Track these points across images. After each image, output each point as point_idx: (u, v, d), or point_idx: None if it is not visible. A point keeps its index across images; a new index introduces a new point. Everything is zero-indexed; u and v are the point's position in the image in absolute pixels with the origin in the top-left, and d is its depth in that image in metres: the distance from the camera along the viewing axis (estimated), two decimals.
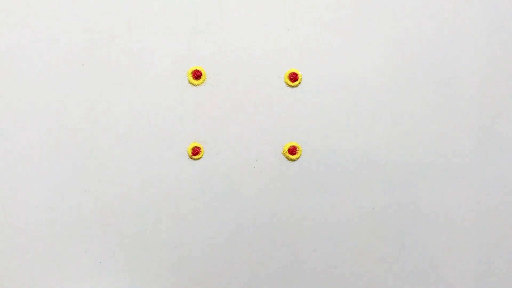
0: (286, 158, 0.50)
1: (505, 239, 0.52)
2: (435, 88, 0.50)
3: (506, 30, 0.51)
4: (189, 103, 0.49)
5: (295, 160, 0.50)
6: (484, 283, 0.52)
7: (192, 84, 0.49)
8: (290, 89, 0.50)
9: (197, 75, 0.49)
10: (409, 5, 0.50)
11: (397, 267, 0.51)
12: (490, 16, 0.51)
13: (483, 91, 0.51)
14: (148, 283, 0.50)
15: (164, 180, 0.49)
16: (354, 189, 0.50)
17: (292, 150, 0.50)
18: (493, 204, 0.51)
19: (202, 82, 0.49)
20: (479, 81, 0.51)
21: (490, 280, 0.52)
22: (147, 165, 0.49)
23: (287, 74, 0.49)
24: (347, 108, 0.50)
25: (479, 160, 0.51)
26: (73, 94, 0.49)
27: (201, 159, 0.50)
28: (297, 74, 0.49)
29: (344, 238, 0.51)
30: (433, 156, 0.51)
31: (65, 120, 0.49)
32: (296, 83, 0.50)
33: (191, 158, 0.49)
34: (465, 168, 0.51)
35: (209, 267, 0.50)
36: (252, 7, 0.49)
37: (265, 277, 0.51)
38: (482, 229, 0.51)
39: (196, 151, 0.49)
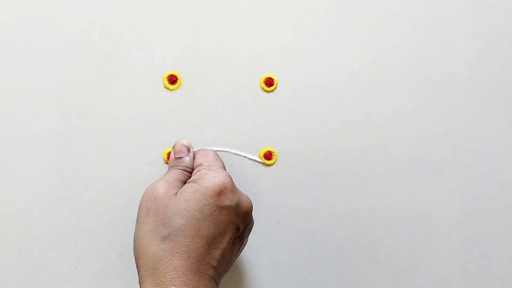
0: (262, 163, 0.50)
1: (493, 238, 0.52)
2: (413, 91, 0.51)
3: (489, 32, 0.51)
4: (165, 108, 0.49)
5: (270, 165, 0.50)
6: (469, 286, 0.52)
7: (168, 88, 0.49)
8: (266, 94, 0.50)
9: (172, 79, 0.49)
10: (386, 10, 0.50)
11: (373, 272, 0.51)
12: (470, 20, 0.51)
13: (467, 89, 0.51)
14: None
15: (140, 185, 0.49)
16: (330, 194, 0.50)
17: (268, 155, 0.50)
18: (479, 203, 0.51)
19: (178, 87, 0.49)
20: (462, 81, 0.51)
21: (475, 282, 0.52)
22: (122, 170, 0.49)
23: (263, 79, 0.50)
24: (324, 113, 0.50)
25: (463, 160, 0.51)
26: (48, 98, 0.48)
27: None
28: (272, 79, 0.50)
29: (319, 243, 0.51)
30: (411, 160, 0.51)
31: (40, 124, 0.48)
32: (272, 88, 0.50)
33: (166, 163, 0.49)
34: (447, 170, 0.51)
35: None
36: (227, 12, 0.49)
37: (242, 282, 0.51)
38: (466, 232, 0.51)
39: None
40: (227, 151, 0.50)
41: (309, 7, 0.50)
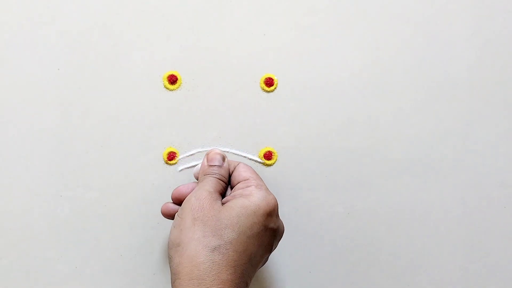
0: (262, 163, 0.50)
1: (493, 238, 0.52)
2: (413, 91, 0.51)
3: (489, 32, 0.51)
4: (165, 108, 0.49)
5: (270, 165, 0.50)
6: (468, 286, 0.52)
7: (168, 88, 0.49)
8: (266, 94, 0.50)
9: (172, 79, 0.49)
10: (386, 10, 0.50)
11: (373, 272, 0.51)
12: (470, 20, 0.51)
13: (467, 90, 0.51)
14: None
15: (140, 185, 0.49)
16: (330, 194, 0.50)
17: (268, 155, 0.50)
18: (479, 203, 0.51)
19: (178, 87, 0.49)
20: (462, 81, 0.51)
21: (475, 282, 0.52)
22: (122, 170, 0.49)
23: (263, 79, 0.49)
24: (324, 113, 0.50)
25: (463, 160, 0.51)
26: (48, 98, 0.48)
27: (177, 164, 0.49)
28: (272, 79, 0.50)
29: (319, 243, 0.51)
30: (411, 160, 0.51)
31: (40, 124, 0.48)
32: (272, 88, 0.50)
33: (166, 163, 0.49)
34: (447, 170, 0.51)
35: None
36: (227, 12, 0.49)
37: None
38: (466, 232, 0.51)
39: (171, 156, 0.49)
40: (227, 151, 0.50)
41: (309, 7, 0.50)
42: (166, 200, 0.49)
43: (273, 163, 0.50)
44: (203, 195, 0.42)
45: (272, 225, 0.42)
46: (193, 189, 0.44)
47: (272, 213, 0.42)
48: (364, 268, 0.51)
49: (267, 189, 0.44)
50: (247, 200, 0.41)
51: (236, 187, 0.44)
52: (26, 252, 0.49)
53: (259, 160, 0.50)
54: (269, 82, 0.49)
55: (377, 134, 0.50)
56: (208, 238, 0.39)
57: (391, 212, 0.51)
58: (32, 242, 0.49)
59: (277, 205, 0.43)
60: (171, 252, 0.40)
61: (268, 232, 0.42)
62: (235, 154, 0.50)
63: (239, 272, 0.39)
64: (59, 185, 0.49)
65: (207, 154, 0.46)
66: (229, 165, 0.46)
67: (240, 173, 0.45)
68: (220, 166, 0.45)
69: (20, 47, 0.48)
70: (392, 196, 0.51)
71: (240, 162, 0.47)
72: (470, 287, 0.52)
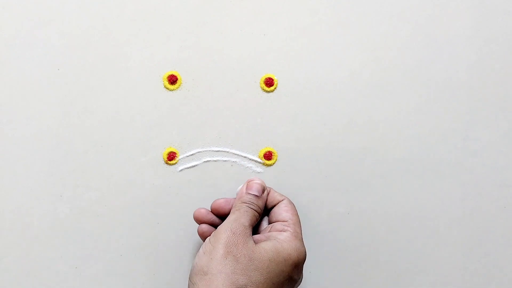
0: (262, 163, 0.50)
1: (493, 238, 0.52)
2: (413, 91, 0.51)
3: (489, 32, 0.51)
4: (165, 108, 0.49)
5: (270, 165, 0.50)
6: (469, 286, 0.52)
7: (168, 89, 0.49)
8: (266, 94, 0.50)
9: (172, 80, 0.49)
10: (386, 10, 0.50)
11: (373, 272, 0.51)
12: (471, 20, 0.51)
13: (467, 90, 0.51)
14: None
15: (140, 185, 0.49)
16: (330, 194, 0.50)
17: (268, 155, 0.50)
18: (479, 203, 0.51)
19: (178, 87, 0.49)
20: (462, 81, 0.51)
21: (475, 282, 0.52)
22: (122, 170, 0.49)
23: (263, 79, 0.49)
24: (324, 113, 0.50)
25: (463, 160, 0.51)
26: (48, 98, 0.48)
27: (177, 164, 0.49)
28: (273, 79, 0.49)
29: (319, 243, 0.51)
30: (411, 160, 0.51)
31: (40, 124, 0.48)
32: (272, 88, 0.50)
33: (166, 163, 0.49)
34: (447, 170, 0.51)
35: (185, 272, 0.50)
36: (227, 12, 0.49)
37: None
38: (466, 232, 0.51)
39: (171, 156, 0.49)
40: (227, 151, 0.50)
41: (309, 7, 0.50)
42: (165, 200, 0.49)
43: (273, 163, 0.50)
44: (239, 229, 0.42)
45: (295, 276, 0.43)
46: (232, 205, 0.45)
47: (299, 265, 0.43)
48: (364, 268, 0.51)
49: (301, 239, 0.44)
50: (280, 246, 0.42)
51: (273, 226, 0.45)
52: (26, 252, 0.49)
53: (259, 160, 0.50)
54: (269, 82, 0.49)
55: (377, 134, 0.50)
56: (237, 276, 0.39)
57: (391, 212, 0.51)
58: (32, 242, 0.49)
59: (305, 258, 0.43)
60: (195, 279, 0.40)
61: (291, 282, 0.43)
62: (235, 154, 0.50)
63: None
64: (59, 185, 0.49)
65: (248, 182, 0.46)
66: (270, 196, 0.47)
67: (281, 212, 0.46)
68: (258, 197, 0.45)
69: (20, 47, 0.48)
70: (392, 196, 0.51)
71: (285, 198, 0.47)
72: (470, 287, 0.52)
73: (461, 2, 0.50)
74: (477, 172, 0.51)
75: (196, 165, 0.49)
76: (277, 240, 0.42)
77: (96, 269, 0.50)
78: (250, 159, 0.50)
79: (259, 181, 0.46)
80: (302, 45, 0.50)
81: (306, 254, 0.43)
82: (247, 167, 0.50)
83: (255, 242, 0.42)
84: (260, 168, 0.50)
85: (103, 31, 0.49)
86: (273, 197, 0.47)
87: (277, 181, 0.50)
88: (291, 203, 0.47)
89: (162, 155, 0.49)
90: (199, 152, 0.50)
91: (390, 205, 0.51)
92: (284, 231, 0.44)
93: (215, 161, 0.50)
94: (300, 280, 0.44)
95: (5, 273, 0.49)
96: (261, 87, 0.50)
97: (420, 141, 0.51)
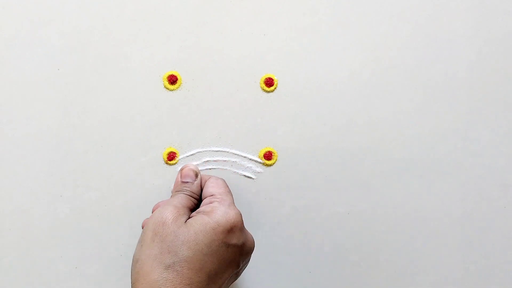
0: (262, 163, 0.50)
1: (493, 238, 0.52)
2: (413, 91, 0.51)
3: (489, 32, 0.51)
4: (165, 108, 0.49)
5: (270, 165, 0.50)
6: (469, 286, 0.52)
7: (168, 89, 0.49)
8: (266, 94, 0.50)
9: (172, 80, 0.49)
10: (386, 10, 0.50)
11: (373, 272, 0.51)
12: (471, 20, 0.51)
13: (467, 90, 0.51)
14: None
15: (140, 185, 0.49)
16: (330, 194, 0.50)
17: (268, 155, 0.50)
18: (479, 203, 0.51)
19: (178, 87, 0.49)
20: (462, 81, 0.51)
21: (475, 282, 0.52)
22: (122, 170, 0.49)
23: (263, 79, 0.49)
24: (324, 113, 0.50)
25: (463, 160, 0.51)
26: (48, 98, 0.48)
27: (177, 164, 0.49)
28: (273, 79, 0.49)
29: (319, 243, 0.51)
30: (411, 160, 0.51)
31: (40, 124, 0.48)
32: (272, 88, 0.50)
33: (166, 163, 0.49)
34: (447, 170, 0.51)
35: None
36: (227, 12, 0.49)
37: (242, 282, 0.51)
38: (466, 233, 0.51)
39: (171, 156, 0.49)
40: (227, 151, 0.50)
41: (309, 7, 0.50)
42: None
43: (273, 163, 0.50)
44: (167, 210, 0.41)
45: (235, 241, 0.41)
46: None
47: (233, 229, 0.41)
48: (364, 268, 0.51)
49: (230, 204, 0.43)
50: (207, 217, 0.40)
51: (202, 203, 0.44)
52: (26, 252, 0.49)
53: (259, 160, 0.50)
54: (269, 82, 0.49)
55: (377, 134, 0.50)
56: (164, 255, 0.38)
57: (391, 212, 0.51)
58: (32, 242, 0.49)
59: (239, 220, 0.41)
60: (131, 268, 0.40)
61: (230, 249, 0.40)
62: (235, 154, 0.50)
63: None
64: (59, 185, 0.49)
65: (181, 170, 0.47)
66: (201, 180, 0.46)
67: (208, 189, 0.45)
68: (192, 183, 0.45)
69: (20, 47, 0.48)
70: (392, 196, 0.51)
71: (211, 177, 0.47)
72: (470, 287, 0.52)
73: (461, 2, 0.50)
74: (477, 172, 0.51)
75: (196, 165, 0.49)
76: (204, 213, 0.41)
77: (96, 269, 0.50)
78: (250, 159, 0.50)
79: (191, 167, 0.46)
80: (302, 45, 0.50)
81: (238, 216, 0.41)
82: (247, 167, 0.50)
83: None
84: (260, 168, 0.50)
85: (103, 31, 0.49)
86: (203, 180, 0.46)
87: (277, 181, 0.50)
88: (218, 179, 0.46)
89: (162, 155, 0.49)
90: (199, 152, 0.50)
91: (390, 205, 0.51)
92: (211, 203, 0.42)
93: (215, 161, 0.50)
94: (247, 243, 0.42)
95: (5, 273, 0.49)
96: (261, 87, 0.50)
97: (420, 141, 0.51)
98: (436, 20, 0.50)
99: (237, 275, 0.44)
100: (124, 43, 0.49)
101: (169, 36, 0.49)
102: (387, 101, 0.50)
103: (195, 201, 0.45)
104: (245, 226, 0.43)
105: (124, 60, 0.49)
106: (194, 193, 0.45)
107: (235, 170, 0.50)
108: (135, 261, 0.39)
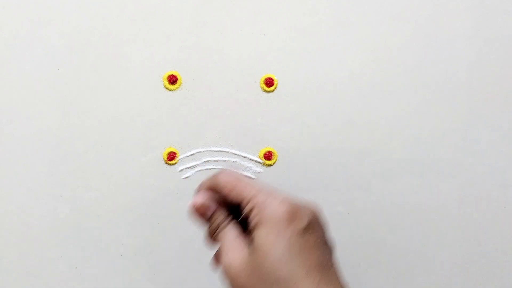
0: (262, 163, 0.50)
1: (493, 238, 0.52)
2: (413, 91, 0.51)
3: (489, 32, 0.51)
4: (165, 108, 0.49)
5: (270, 165, 0.50)
6: (468, 285, 0.52)
7: (168, 89, 0.49)
8: (265, 94, 0.50)
9: (172, 80, 0.49)
10: (386, 10, 0.50)
11: (373, 272, 0.51)
12: (470, 20, 0.51)
13: (467, 90, 0.51)
14: None
15: (140, 185, 0.49)
16: (330, 194, 0.50)
17: (268, 155, 0.50)
18: (479, 203, 0.51)
19: (178, 87, 0.49)
20: (462, 81, 0.51)
21: (475, 282, 0.52)
22: (122, 170, 0.49)
23: (263, 79, 0.49)
24: (323, 113, 0.50)
25: (463, 160, 0.51)
26: (48, 98, 0.48)
27: (177, 164, 0.49)
28: (273, 79, 0.49)
29: None
30: (411, 160, 0.51)
31: (40, 124, 0.48)
32: (272, 88, 0.50)
33: (166, 163, 0.49)
34: (447, 170, 0.51)
35: (185, 272, 0.50)
36: (227, 12, 0.49)
37: None
38: (466, 233, 0.51)
39: (171, 156, 0.49)
40: (227, 151, 0.50)
41: (309, 7, 0.50)
42: (165, 200, 0.49)
43: (273, 163, 0.50)
44: (230, 262, 0.35)
45: (302, 224, 0.35)
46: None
47: (292, 216, 0.35)
48: (364, 268, 0.51)
49: (269, 197, 0.35)
50: (264, 229, 0.34)
51: (245, 211, 0.36)
52: (26, 252, 0.49)
53: (259, 160, 0.50)
54: (269, 82, 0.49)
55: (377, 134, 0.50)
56: None
57: (391, 212, 0.51)
58: (32, 242, 0.49)
59: (288, 202, 0.35)
60: None
61: (308, 232, 0.35)
62: (235, 154, 0.50)
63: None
64: (59, 185, 0.49)
65: (194, 209, 0.37)
66: (210, 182, 0.37)
67: (233, 197, 0.36)
68: (214, 213, 0.37)
69: (20, 47, 0.48)
70: (392, 196, 0.51)
71: (215, 176, 0.37)
72: (470, 287, 0.52)
73: (461, 2, 0.50)
74: (477, 172, 0.51)
75: (196, 165, 0.49)
76: (257, 225, 0.34)
77: (96, 269, 0.50)
78: (250, 159, 0.50)
79: (196, 203, 0.37)
80: (302, 45, 0.50)
81: (285, 201, 0.35)
82: (247, 167, 0.50)
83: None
84: (260, 168, 0.50)
85: (103, 31, 0.49)
86: (209, 181, 0.37)
87: (277, 181, 0.50)
88: (226, 174, 0.37)
89: (162, 155, 0.49)
90: (199, 152, 0.50)
91: (390, 205, 0.51)
92: (252, 211, 0.35)
93: (215, 161, 0.50)
94: (312, 216, 0.36)
95: (5, 273, 0.49)
96: (261, 87, 0.50)
97: (420, 141, 0.51)
98: (436, 20, 0.50)
99: (332, 247, 0.38)
100: (124, 43, 0.49)
101: (169, 36, 0.49)
102: (387, 101, 0.50)
103: (229, 220, 0.37)
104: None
105: (124, 60, 0.49)
106: (224, 215, 0.37)
107: (235, 170, 0.50)
108: None
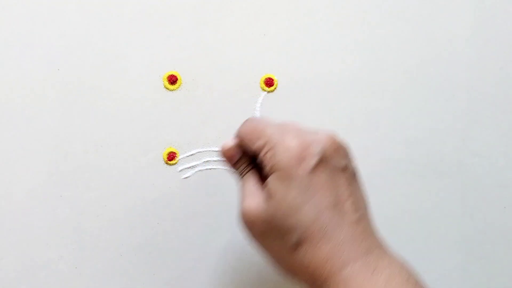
0: None
1: (493, 238, 0.52)
2: (413, 91, 0.51)
3: (489, 32, 0.51)
4: (165, 108, 0.49)
5: None
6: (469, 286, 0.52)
7: (168, 89, 0.49)
8: (265, 94, 0.50)
9: (172, 80, 0.49)
10: (386, 10, 0.50)
11: None
12: (470, 20, 0.51)
13: (467, 89, 0.51)
14: None
15: (140, 185, 0.49)
16: None
17: None
18: (479, 203, 0.51)
19: (178, 87, 0.49)
20: (462, 81, 0.51)
21: (476, 282, 0.52)
22: (122, 170, 0.49)
23: (263, 79, 0.50)
24: (323, 113, 0.50)
25: (463, 160, 0.51)
26: (47, 98, 0.48)
27: (177, 164, 0.49)
28: (272, 79, 0.50)
29: None
30: (411, 160, 0.51)
31: (39, 125, 0.48)
32: (272, 88, 0.50)
33: (166, 163, 0.49)
34: (447, 170, 0.51)
35: (185, 272, 0.50)
36: (227, 12, 0.49)
37: (242, 282, 0.51)
38: (466, 233, 0.51)
39: (171, 156, 0.49)
40: None
41: (309, 7, 0.50)
42: (166, 200, 0.49)
43: None
44: (246, 219, 0.35)
45: (312, 162, 0.33)
46: None
47: (300, 156, 0.33)
48: None
49: (277, 137, 0.34)
50: (275, 173, 0.34)
51: (261, 157, 0.36)
52: (26, 252, 0.49)
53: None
54: (269, 82, 0.49)
55: (377, 134, 0.50)
56: (286, 239, 0.33)
57: (391, 212, 0.51)
58: (32, 242, 0.49)
59: (296, 141, 0.33)
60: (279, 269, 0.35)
61: (319, 169, 0.33)
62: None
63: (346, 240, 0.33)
64: (59, 185, 0.49)
65: (223, 153, 0.39)
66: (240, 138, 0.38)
67: (251, 147, 0.37)
68: (238, 160, 0.38)
69: (20, 47, 0.48)
70: (392, 196, 0.51)
71: (240, 127, 0.39)
72: (470, 287, 0.52)
73: (461, 2, 0.51)
74: (477, 172, 0.51)
75: (196, 165, 0.49)
76: (270, 172, 0.34)
77: (96, 269, 0.50)
78: None
79: (223, 148, 0.39)
80: (302, 45, 0.50)
81: (294, 139, 0.34)
82: None
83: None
84: None
85: (103, 31, 0.49)
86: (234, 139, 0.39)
87: None
88: (243, 124, 0.38)
89: (162, 155, 0.49)
90: (199, 152, 0.50)
91: (390, 205, 0.51)
92: (266, 166, 0.35)
93: (215, 161, 0.50)
94: (323, 149, 0.34)
95: (5, 273, 0.49)
96: (261, 87, 0.50)
97: (420, 141, 0.51)
98: (436, 20, 0.50)
99: (354, 173, 0.37)
100: (124, 43, 0.49)
101: (169, 36, 0.49)
102: (387, 100, 0.50)
103: (253, 165, 0.38)
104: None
105: (124, 60, 0.49)
106: (247, 162, 0.38)
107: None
108: (275, 262, 0.35)
